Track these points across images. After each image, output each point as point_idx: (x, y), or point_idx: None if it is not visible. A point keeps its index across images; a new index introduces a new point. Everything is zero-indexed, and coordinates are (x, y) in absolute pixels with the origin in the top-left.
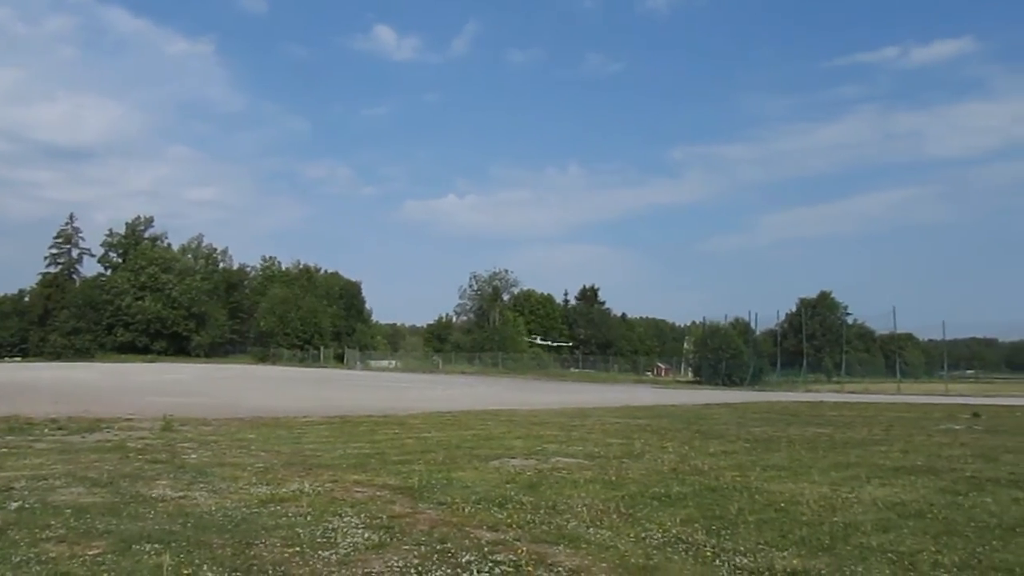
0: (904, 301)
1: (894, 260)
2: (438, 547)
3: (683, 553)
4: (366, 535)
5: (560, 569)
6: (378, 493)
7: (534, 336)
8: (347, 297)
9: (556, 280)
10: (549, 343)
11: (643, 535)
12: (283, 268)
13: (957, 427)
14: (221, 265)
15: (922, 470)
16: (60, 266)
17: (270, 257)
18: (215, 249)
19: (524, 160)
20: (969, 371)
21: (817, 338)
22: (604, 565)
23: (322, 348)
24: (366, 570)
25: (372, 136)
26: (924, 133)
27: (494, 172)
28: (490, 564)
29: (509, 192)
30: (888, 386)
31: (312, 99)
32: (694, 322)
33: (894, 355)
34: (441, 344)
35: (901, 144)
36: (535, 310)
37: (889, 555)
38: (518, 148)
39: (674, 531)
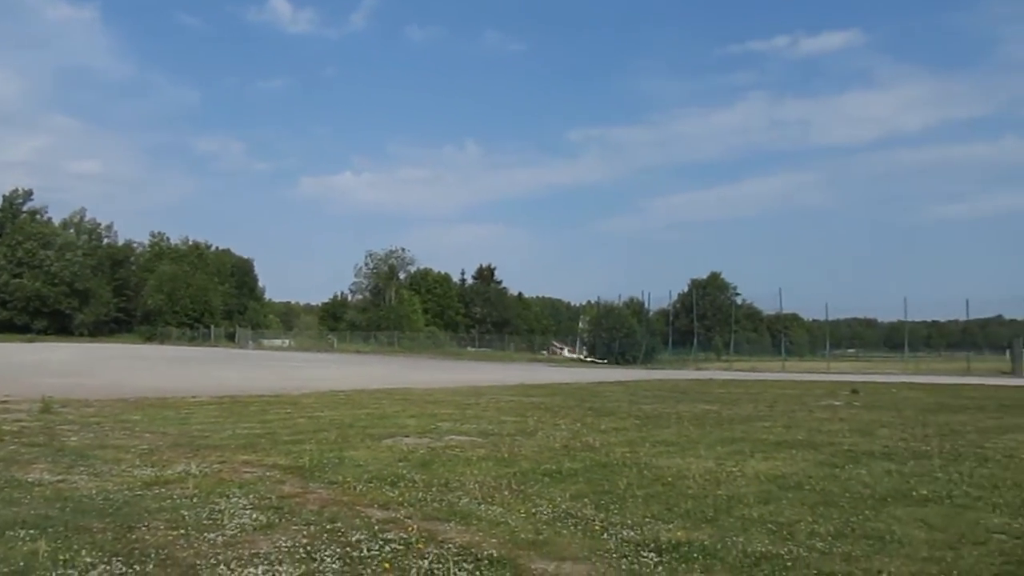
0: (790, 283)
1: (781, 244)
2: (328, 526)
3: (572, 528)
4: (254, 516)
5: (450, 546)
6: (268, 473)
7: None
8: (239, 275)
9: (453, 259)
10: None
11: (534, 511)
12: (172, 244)
13: (837, 403)
14: (106, 241)
15: (803, 444)
16: None
17: (158, 233)
18: (99, 224)
19: (422, 138)
20: (850, 350)
21: (708, 318)
22: (494, 541)
23: (213, 327)
24: (253, 551)
25: (266, 110)
26: (811, 121)
27: (392, 149)
28: (380, 542)
29: (407, 170)
30: (774, 364)
31: (203, 70)
32: (589, 301)
33: (780, 335)
34: (336, 323)
35: (789, 131)
36: (432, 289)
37: (769, 525)
38: (416, 126)
39: (564, 506)
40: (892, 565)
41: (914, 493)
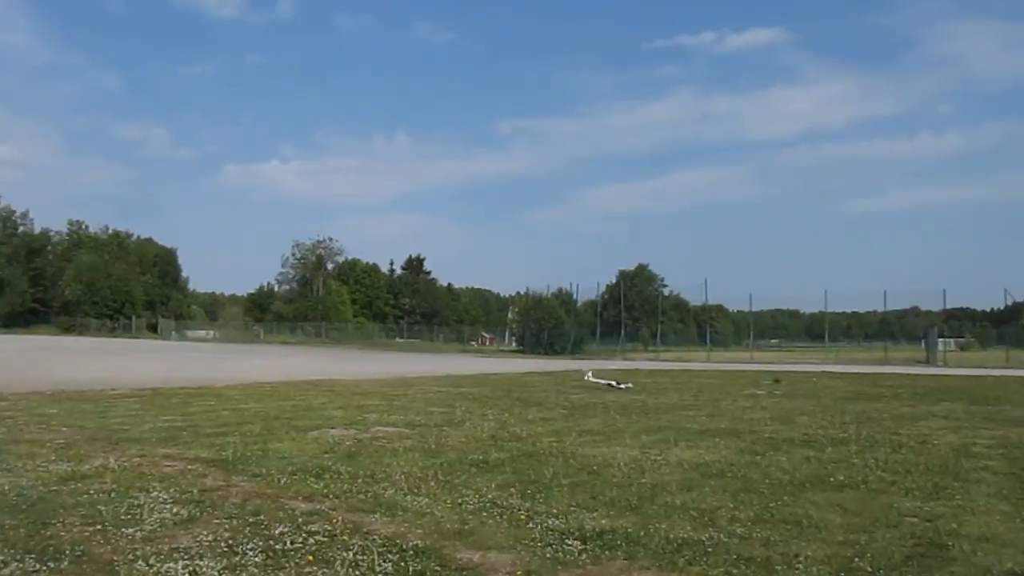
0: (716, 275)
1: (708, 236)
2: (251, 519)
3: (498, 517)
4: (174, 510)
5: (375, 537)
6: (189, 467)
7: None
8: (161, 265)
9: (382, 249)
10: None
11: (460, 501)
12: (92, 233)
13: (759, 392)
14: (21, 229)
15: (726, 432)
16: None
17: (77, 221)
18: (14, 212)
19: (351, 127)
20: (774, 340)
21: (635, 309)
22: (419, 531)
23: (134, 318)
24: (173, 546)
25: (191, 97)
26: (738, 116)
27: (320, 138)
28: (304, 535)
29: (335, 159)
30: (700, 354)
31: (125, 55)
32: (518, 292)
33: (706, 325)
34: (262, 314)
35: (717, 125)
36: (360, 280)
37: (691, 512)
38: (346, 115)
39: (490, 496)
40: (809, 549)
41: (831, 479)
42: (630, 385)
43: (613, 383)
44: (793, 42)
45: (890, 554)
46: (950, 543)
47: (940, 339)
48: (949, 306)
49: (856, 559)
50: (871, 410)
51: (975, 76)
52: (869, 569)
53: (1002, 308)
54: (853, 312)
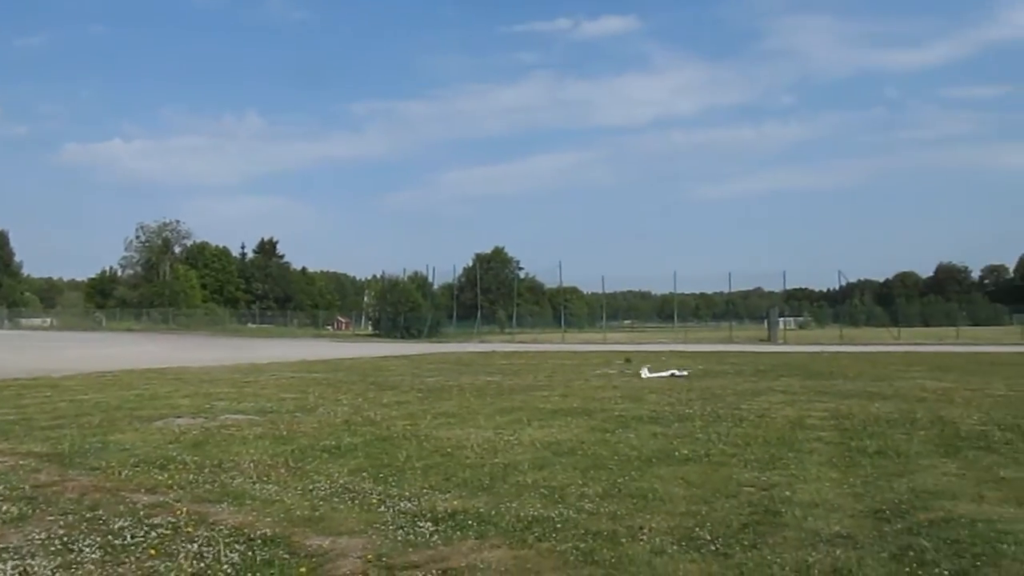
0: (570, 257)
1: (562, 219)
2: (88, 515)
3: (349, 502)
4: (4, 508)
5: (222, 527)
6: (22, 462)
7: None
8: None
9: (233, 233)
10: None
11: (311, 487)
12: None
13: (611, 372)
14: None
15: (577, 412)
16: None
17: None
18: None
19: (200, 105)
20: (626, 321)
21: (492, 292)
22: (268, 520)
23: None
24: (2, 545)
25: (25, 69)
26: (592, 101)
27: (166, 116)
28: (146, 528)
29: (183, 138)
30: (555, 336)
31: None
32: (374, 276)
33: (561, 307)
34: (104, 300)
35: (571, 111)
36: (209, 264)
37: (542, 490)
38: (194, 92)
39: (342, 481)
40: (653, 521)
41: (676, 453)
42: (687, 372)
43: (675, 372)
44: (645, 31)
45: (728, 523)
46: (783, 510)
47: (780, 318)
48: (789, 287)
49: (697, 528)
50: (715, 387)
51: (813, 69)
52: (708, 537)
53: (836, 289)
54: (701, 293)
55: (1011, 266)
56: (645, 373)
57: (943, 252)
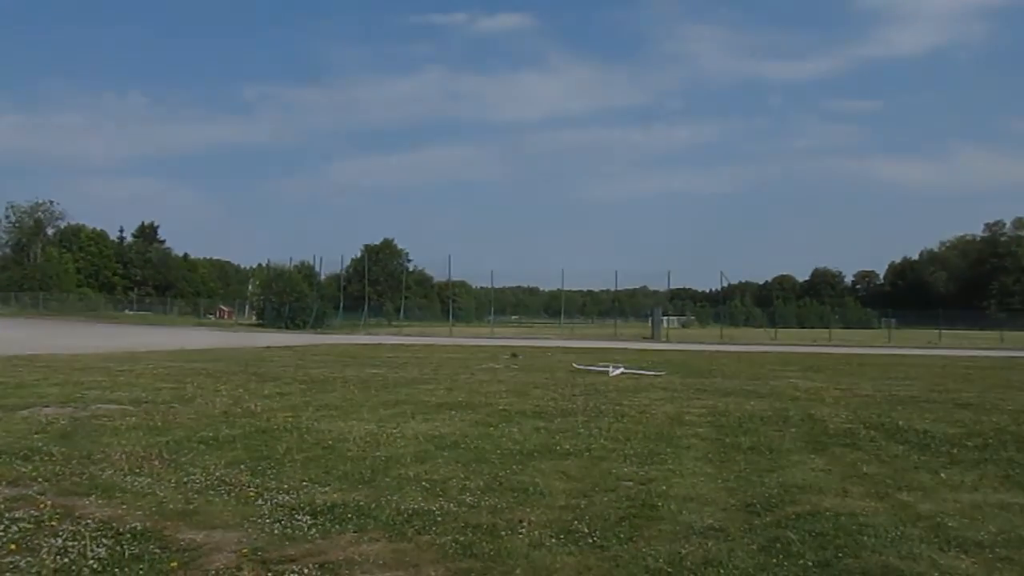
0: (460, 251)
1: (453, 213)
2: None
3: (225, 495)
4: None
5: (89, 521)
6: None
7: None
8: None
9: (111, 215)
10: None
11: (185, 480)
12: None
13: (497, 366)
14: None
15: (462, 405)
16: None
17: None
18: None
19: (80, 81)
20: (514, 316)
21: (380, 283)
22: (139, 513)
23: None
24: None
25: None
26: (486, 97)
27: (42, 91)
28: (7, 522)
29: (59, 115)
30: (443, 329)
31: None
32: (260, 264)
33: (449, 301)
34: None
35: (466, 105)
36: (85, 247)
37: (424, 483)
38: (73, 67)
39: (218, 474)
40: (533, 514)
41: (558, 447)
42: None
43: (624, 369)
44: (540, 30)
45: (606, 516)
46: (660, 504)
47: (664, 317)
48: (674, 286)
49: (575, 522)
50: (599, 383)
51: (701, 76)
52: (586, 530)
53: (718, 289)
54: (588, 291)
55: (881, 273)
56: (619, 371)
57: (819, 258)
